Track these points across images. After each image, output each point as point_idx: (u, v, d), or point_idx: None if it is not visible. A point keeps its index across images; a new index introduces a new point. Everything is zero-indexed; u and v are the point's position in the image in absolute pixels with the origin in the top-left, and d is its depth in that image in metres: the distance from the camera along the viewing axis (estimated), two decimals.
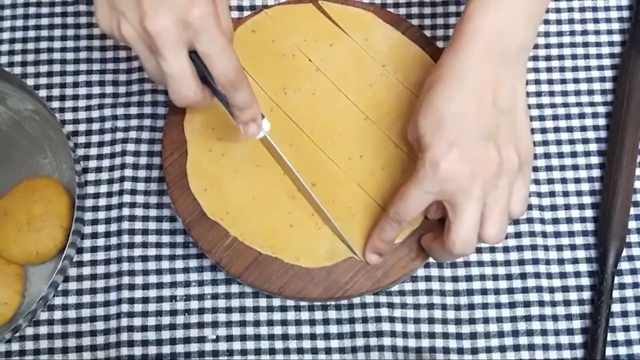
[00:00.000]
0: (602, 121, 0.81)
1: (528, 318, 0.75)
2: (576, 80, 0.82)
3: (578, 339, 0.75)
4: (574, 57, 0.83)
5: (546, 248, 0.77)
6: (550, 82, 0.82)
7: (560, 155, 0.80)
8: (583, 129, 0.81)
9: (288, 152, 0.72)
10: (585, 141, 0.80)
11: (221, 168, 0.73)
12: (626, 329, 0.76)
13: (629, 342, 0.75)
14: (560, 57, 0.82)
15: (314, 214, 0.72)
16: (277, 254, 0.71)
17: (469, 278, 0.76)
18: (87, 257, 0.77)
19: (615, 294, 0.76)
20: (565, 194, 0.79)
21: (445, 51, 0.65)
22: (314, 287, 0.71)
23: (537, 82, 0.82)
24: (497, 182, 0.63)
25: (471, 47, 0.63)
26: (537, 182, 0.79)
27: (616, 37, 0.83)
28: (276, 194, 0.73)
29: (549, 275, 0.77)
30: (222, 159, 0.74)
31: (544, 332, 0.75)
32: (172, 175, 0.74)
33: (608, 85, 0.82)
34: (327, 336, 0.75)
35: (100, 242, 0.77)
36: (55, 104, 0.81)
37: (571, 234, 0.78)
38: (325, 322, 0.75)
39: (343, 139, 0.74)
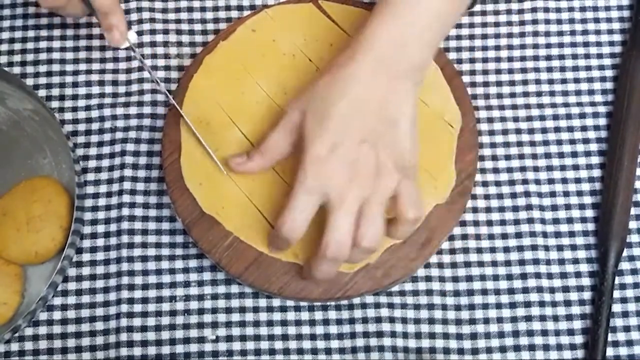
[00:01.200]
0: (602, 121, 0.81)
1: (529, 318, 0.75)
2: (577, 80, 0.82)
3: (579, 339, 0.75)
4: (575, 56, 0.82)
5: (547, 248, 0.77)
6: (550, 82, 0.82)
7: (561, 155, 0.80)
8: (584, 128, 0.80)
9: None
10: (586, 141, 0.80)
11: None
12: (627, 329, 0.75)
13: (629, 343, 0.75)
14: (561, 57, 0.82)
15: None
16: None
17: (469, 278, 0.76)
18: (86, 257, 0.77)
19: (616, 294, 0.76)
20: (566, 194, 0.79)
21: (344, 49, 0.68)
22: (314, 288, 0.71)
23: (538, 82, 0.82)
24: (373, 183, 0.64)
25: (364, 54, 0.66)
26: (537, 182, 0.79)
27: (617, 37, 0.83)
28: (274, 191, 0.72)
29: (550, 276, 0.76)
30: (215, 153, 0.73)
31: (544, 333, 0.75)
32: (172, 175, 0.74)
33: (609, 85, 0.82)
34: (327, 336, 0.75)
35: (100, 242, 0.77)
36: (55, 104, 0.81)
37: (572, 234, 0.78)
38: (325, 322, 0.75)
39: None
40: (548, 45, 0.83)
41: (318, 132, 0.64)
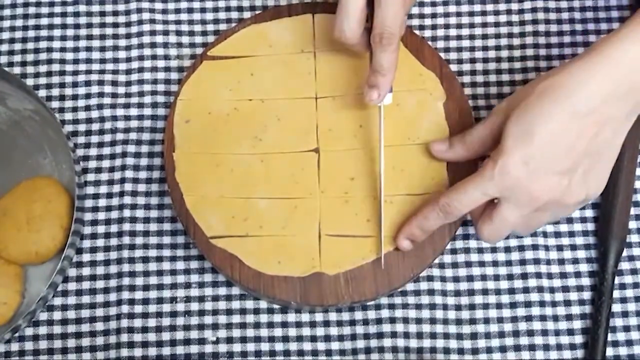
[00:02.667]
0: None
1: (529, 318, 0.75)
2: None
3: (578, 339, 0.75)
4: (575, 57, 0.82)
5: (547, 248, 0.77)
6: None
7: None
8: None
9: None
10: None
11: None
12: (627, 329, 0.76)
13: (629, 343, 0.75)
14: (561, 57, 0.82)
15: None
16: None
17: (470, 278, 0.76)
18: (86, 257, 0.77)
19: (616, 294, 0.76)
20: None
21: (572, 60, 0.63)
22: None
23: None
24: (550, 208, 0.64)
25: (600, 73, 0.60)
26: None
27: None
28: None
29: (550, 276, 0.77)
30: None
31: (544, 333, 0.75)
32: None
33: None
34: (327, 338, 0.75)
35: (100, 243, 0.77)
36: (55, 104, 0.81)
37: (572, 234, 0.78)
38: (326, 324, 0.75)
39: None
40: (548, 46, 0.83)
41: (520, 141, 0.62)
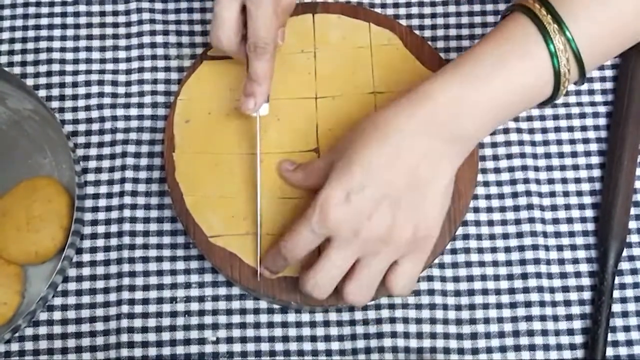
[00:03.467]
0: (602, 121, 0.81)
1: (529, 318, 0.75)
2: None
3: (579, 339, 0.75)
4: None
5: (547, 248, 0.77)
6: None
7: (561, 155, 0.80)
8: (584, 128, 0.80)
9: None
10: (586, 141, 0.80)
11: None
12: (627, 329, 0.76)
13: (629, 343, 0.75)
14: None
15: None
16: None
17: (470, 278, 0.76)
18: (86, 257, 0.77)
19: (616, 294, 0.76)
20: (566, 194, 0.79)
21: (395, 100, 0.64)
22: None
23: None
24: (379, 247, 0.62)
25: (414, 109, 0.62)
26: (537, 182, 0.79)
27: None
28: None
29: (550, 276, 0.77)
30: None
31: (544, 333, 0.75)
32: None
33: (608, 85, 0.82)
34: (327, 338, 0.75)
35: (100, 243, 0.77)
36: (55, 104, 0.81)
37: (572, 234, 0.78)
38: (326, 324, 0.75)
39: None
40: None
41: (340, 175, 0.62)
